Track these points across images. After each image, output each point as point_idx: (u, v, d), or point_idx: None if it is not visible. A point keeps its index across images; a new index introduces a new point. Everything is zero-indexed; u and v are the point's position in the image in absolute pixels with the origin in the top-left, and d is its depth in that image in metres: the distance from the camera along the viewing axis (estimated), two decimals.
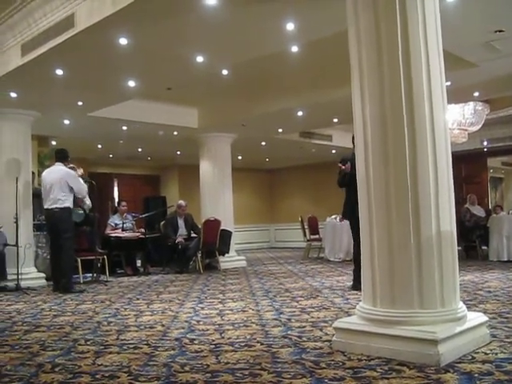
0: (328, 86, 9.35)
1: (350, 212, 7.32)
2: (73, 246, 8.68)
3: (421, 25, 3.82)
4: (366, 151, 3.95)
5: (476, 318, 3.99)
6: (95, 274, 9.94)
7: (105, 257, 9.99)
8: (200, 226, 11.72)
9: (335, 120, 11.97)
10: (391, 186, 3.77)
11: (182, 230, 11.89)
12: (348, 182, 7.21)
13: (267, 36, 6.68)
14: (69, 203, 8.50)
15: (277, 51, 7.58)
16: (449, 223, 3.83)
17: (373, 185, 3.88)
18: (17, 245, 8.66)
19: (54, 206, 8.40)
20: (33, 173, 10.49)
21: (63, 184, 8.44)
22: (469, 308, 4.12)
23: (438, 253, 3.73)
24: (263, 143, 14.97)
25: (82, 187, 8.76)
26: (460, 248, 11.23)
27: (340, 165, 7.33)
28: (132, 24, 6.15)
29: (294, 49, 7.54)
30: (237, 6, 5.82)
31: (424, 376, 3.21)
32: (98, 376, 3.48)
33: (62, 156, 8.84)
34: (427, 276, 3.70)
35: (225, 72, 8.62)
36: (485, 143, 15.36)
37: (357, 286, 7.35)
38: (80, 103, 9.43)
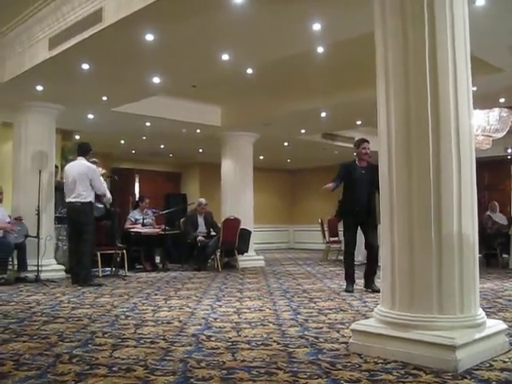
0: (352, 87, 9.31)
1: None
2: (93, 240, 8.74)
3: (449, 29, 3.78)
4: (389, 154, 3.92)
5: (495, 325, 3.95)
6: (114, 269, 10.00)
7: (124, 251, 10.03)
8: (219, 225, 11.74)
9: (359, 122, 11.93)
10: (414, 190, 3.74)
11: (202, 228, 11.92)
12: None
13: (293, 36, 6.67)
14: (91, 198, 8.59)
15: (302, 51, 7.58)
16: (471, 229, 3.79)
17: (395, 188, 3.85)
18: (38, 236, 8.74)
19: (76, 200, 8.48)
20: (56, 166, 10.57)
21: (85, 179, 8.51)
22: (488, 316, 4.08)
23: (458, 258, 3.70)
24: (286, 143, 14.96)
25: (101, 185, 8.84)
26: (480, 255, 11.12)
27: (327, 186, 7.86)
28: (159, 20, 6.18)
29: (320, 49, 7.54)
30: (264, 5, 5.83)
31: (441, 382, 3.19)
32: (114, 368, 3.50)
33: (83, 150, 8.91)
34: (447, 281, 3.67)
35: (249, 71, 8.63)
36: (509, 150, 15.19)
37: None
38: (104, 98, 9.49)
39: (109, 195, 9.46)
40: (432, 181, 3.70)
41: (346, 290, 7.52)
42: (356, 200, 7.56)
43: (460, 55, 3.83)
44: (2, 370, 3.47)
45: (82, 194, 8.49)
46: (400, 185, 3.83)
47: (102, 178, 8.97)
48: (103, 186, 8.92)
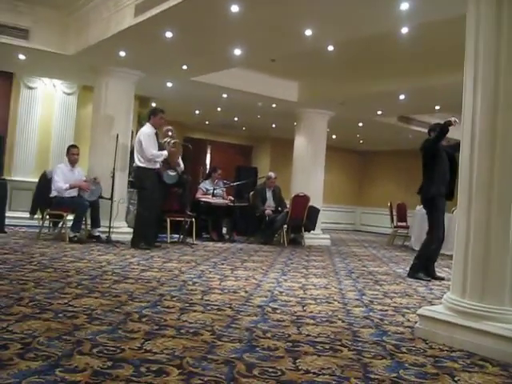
0: (434, 71, 9.10)
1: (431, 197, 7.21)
2: (147, 206, 8.75)
3: None
4: (472, 141, 3.84)
5: None
6: (182, 236, 10.16)
7: (193, 220, 10.18)
8: (287, 201, 11.75)
9: (437, 107, 11.68)
10: (495, 177, 3.66)
11: (270, 202, 11.97)
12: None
13: (379, 14, 6.55)
14: (141, 163, 8.77)
15: (385, 31, 7.46)
16: None
17: (476, 174, 3.78)
18: (111, 199, 8.97)
19: (134, 164, 8.94)
20: (132, 132, 10.78)
21: (138, 143, 8.74)
22: None
23: None
24: (360, 124, 14.80)
25: (148, 149, 8.73)
26: None
27: None
28: None
29: (404, 30, 7.38)
30: None
31: (508, 375, 3.15)
32: (182, 331, 3.58)
33: (147, 115, 9.33)
34: None
35: (330, 48, 8.53)
36: None
37: (413, 274, 7.29)
38: (185, 67, 9.57)
39: (182, 164, 9.60)
40: None
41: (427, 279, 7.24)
42: (445, 182, 7.26)
43: None
44: (76, 322, 3.61)
45: (137, 158, 8.82)
46: (481, 171, 3.75)
47: (159, 142, 9.10)
48: (149, 150, 8.73)
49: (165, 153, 8.88)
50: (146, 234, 8.80)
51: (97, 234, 9.12)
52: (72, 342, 3.14)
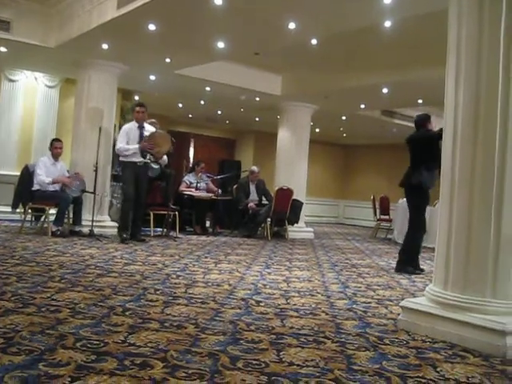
0: (417, 65, 9.14)
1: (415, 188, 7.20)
2: (124, 199, 9.16)
3: None
4: (454, 134, 3.85)
5: None
6: (165, 229, 10.15)
7: (176, 213, 10.16)
8: (272, 194, 11.78)
9: (420, 101, 11.74)
10: (477, 169, 3.67)
11: (253, 196, 11.99)
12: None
13: (363, 8, 6.56)
14: (120, 157, 9.07)
15: (369, 25, 7.47)
16: None
17: (458, 165, 3.79)
18: (94, 192, 8.93)
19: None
20: (115, 125, 10.74)
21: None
22: None
23: None
24: (343, 117, 14.85)
25: (119, 143, 9.00)
26: None
27: None
28: None
29: (387, 23, 7.39)
30: None
31: (489, 365, 3.17)
32: (166, 324, 3.58)
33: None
34: (504, 265, 3.63)
35: (314, 41, 8.53)
36: None
37: (400, 268, 7.30)
38: (168, 60, 9.53)
39: (165, 157, 9.59)
40: (496, 161, 3.62)
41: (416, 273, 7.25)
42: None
43: None
44: (59, 316, 3.60)
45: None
46: (463, 163, 3.76)
47: (126, 135, 9.00)
48: (117, 145, 9.03)
49: (132, 147, 8.83)
50: (124, 226, 8.83)
51: (77, 229, 9.06)
52: (55, 336, 3.13)
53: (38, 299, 4.07)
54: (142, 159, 8.85)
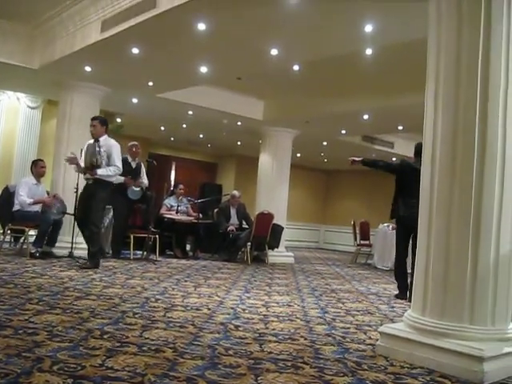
0: (398, 92, 9.28)
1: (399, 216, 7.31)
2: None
3: (504, 37, 3.73)
4: (432, 161, 3.90)
5: None
6: (145, 252, 10.11)
7: (157, 236, 10.14)
8: (252, 218, 11.79)
9: (400, 127, 11.89)
10: (454, 199, 3.72)
11: (234, 220, 12.02)
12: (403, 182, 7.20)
13: (344, 36, 6.69)
14: None
15: (350, 52, 7.58)
16: (508, 241, 3.77)
17: (436, 195, 3.83)
18: (74, 214, 8.87)
19: None
20: None
21: None
22: None
23: (494, 270, 3.68)
24: (324, 143, 14.96)
25: None
26: None
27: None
28: (213, 10, 6.24)
29: (368, 51, 7.52)
30: (318, 3, 5.85)
31: None
32: (144, 348, 3.56)
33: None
34: (481, 292, 3.66)
35: (296, 67, 8.64)
36: None
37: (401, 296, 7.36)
38: (151, 83, 9.60)
39: (146, 181, 9.69)
40: (473, 192, 3.66)
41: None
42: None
43: None
44: (36, 339, 3.56)
45: None
46: (441, 192, 3.82)
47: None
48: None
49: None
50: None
51: (49, 250, 8.97)
52: (32, 359, 3.10)
53: (15, 321, 4.03)
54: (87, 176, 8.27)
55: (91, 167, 8.01)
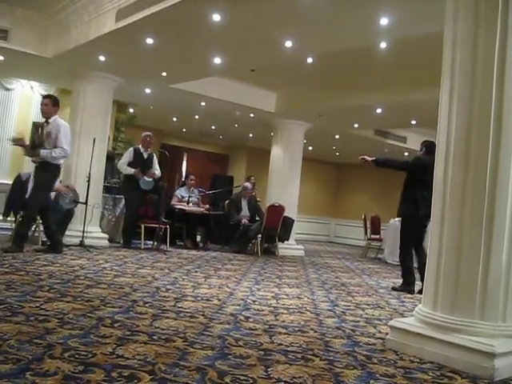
0: (412, 86, 9.21)
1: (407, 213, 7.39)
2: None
3: None
4: (446, 156, 3.89)
5: None
6: (156, 242, 10.14)
7: (167, 227, 10.16)
8: (264, 210, 11.79)
9: (413, 122, 11.83)
10: (468, 194, 3.71)
11: (245, 212, 12.03)
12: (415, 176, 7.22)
13: (359, 29, 6.64)
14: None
15: (365, 45, 7.55)
16: None
17: (449, 189, 3.83)
18: (86, 203, 8.89)
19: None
20: (108, 137, 10.77)
21: None
22: None
23: (506, 267, 3.67)
24: (337, 136, 14.91)
25: None
26: None
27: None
28: (228, 1, 6.22)
29: (383, 45, 7.48)
30: None
31: None
32: (154, 337, 3.58)
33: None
34: (492, 288, 3.65)
35: (310, 60, 8.61)
36: None
37: (404, 288, 7.38)
38: (164, 74, 9.58)
39: (158, 171, 9.79)
40: (487, 189, 3.65)
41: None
42: None
43: None
44: (48, 326, 3.58)
45: None
46: (454, 188, 3.80)
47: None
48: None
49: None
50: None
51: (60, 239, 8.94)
52: (43, 345, 3.12)
53: (26, 308, 4.05)
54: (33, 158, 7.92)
55: (32, 147, 7.66)
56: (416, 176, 7.22)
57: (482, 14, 3.78)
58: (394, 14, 6.10)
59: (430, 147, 7.17)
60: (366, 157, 7.58)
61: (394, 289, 7.52)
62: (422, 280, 7.14)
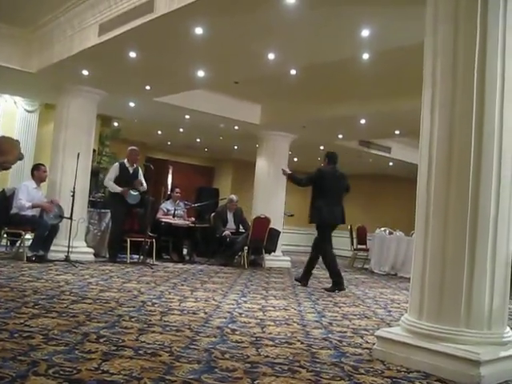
0: (395, 96, 9.29)
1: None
2: None
3: (500, 42, 3.75)
4: (429, 166, 3.91)
5: None
6: (142, 256, 10.10)
7: (153, 240, 10.13)
8: (249, 222, 11.78)
9: (397, 132, 11.90)
10: (451, 203, 3.73)
11: (231, 224, 12.02)
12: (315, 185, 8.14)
13: (341, 40, 6.69)
14: None
15: (347, 57, 7.60)
16: (505, 246, 3.78)
17: (433, 198, 3.84)
18: (71, 218, 8.86)
19: None
20: (94, 150, 10.74)
21: None
22: None
23: (490, 274, 3.69)
24: (321, 147, 14.93)
25: None
26: None
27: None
28: (210, 14, 6.24)
29: (365, 56, 7.53)
30: (316, 7, 5.86)
31: None
32: (140, 352, 3.55)
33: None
34: (477, 296, 3.66)
35: (293, 72, 8.65)
36: None
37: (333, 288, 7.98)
38: (148, 87, 9.58)
39: (144, 184, 9.74)
40: (470, 197, 3.68)
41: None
42: None
43: (509, 69, 3.79)
44: (32, 342, 3.55)
45: None
46: (437, 197, 3.82)
47: None
48: None
49: None
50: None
51: (41, 253, 8.89)
52: (27, 362, 3.09)
53: (10, 325, 4.02)
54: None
55: None
56: (318, 186, 8.15)
57: (461, 24, 3.83)
58: (375, 26, 6.16)
59: (332, 158, 7.98)
60: (286, 169, 8.58)
61: (326, 290, 8.07)
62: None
